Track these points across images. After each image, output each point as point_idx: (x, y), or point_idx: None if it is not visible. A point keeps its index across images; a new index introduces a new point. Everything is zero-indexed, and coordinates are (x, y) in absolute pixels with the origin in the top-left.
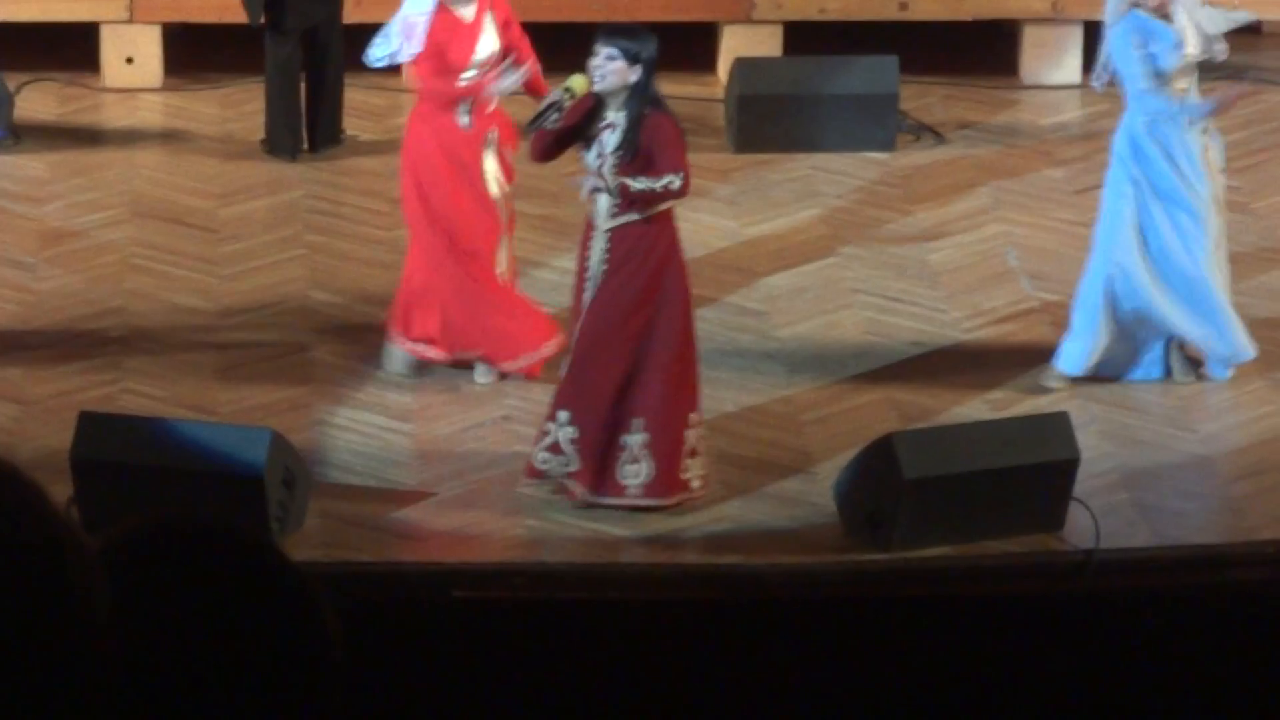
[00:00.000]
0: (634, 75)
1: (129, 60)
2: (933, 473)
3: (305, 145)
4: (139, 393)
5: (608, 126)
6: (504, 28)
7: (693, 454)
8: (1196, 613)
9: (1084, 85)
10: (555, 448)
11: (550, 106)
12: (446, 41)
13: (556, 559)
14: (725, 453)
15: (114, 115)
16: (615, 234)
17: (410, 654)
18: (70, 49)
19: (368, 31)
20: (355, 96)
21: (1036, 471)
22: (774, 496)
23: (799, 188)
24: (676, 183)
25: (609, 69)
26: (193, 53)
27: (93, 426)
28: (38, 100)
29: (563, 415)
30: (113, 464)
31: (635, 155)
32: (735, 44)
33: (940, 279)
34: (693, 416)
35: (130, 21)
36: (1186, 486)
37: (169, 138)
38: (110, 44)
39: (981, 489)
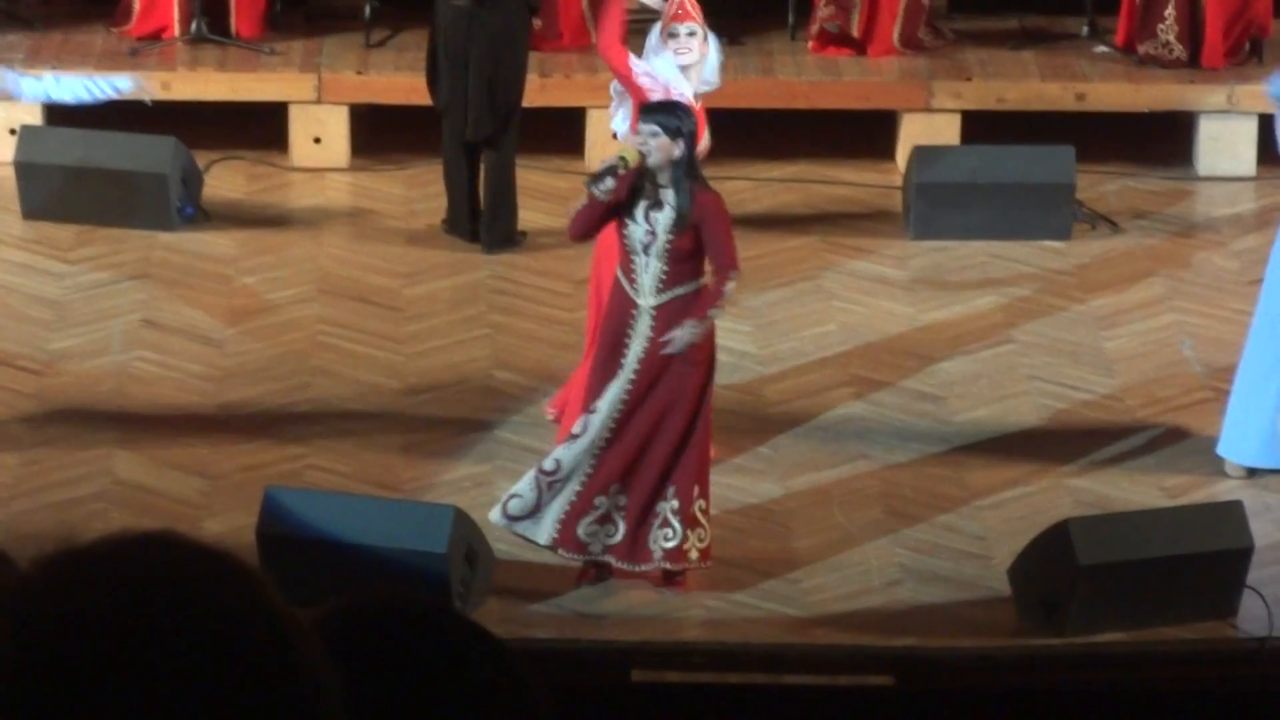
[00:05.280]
0: (677, 150)
1: (317, 140)
2: (1108, 559)
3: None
4: (324, 469)
5: (655, 204)
6: None
7: (664, 524)
8: None
9: (1258, 177)
10: (606, 519)
11: (608, 170)
12: None
13: (733, 639)
14: (902, 536)
15: (301, 194)
16: (661, 310)
17: None
18: (259, 128)
19: (551, 116)
20: (537, 180)
21: (1210, 559)
22: (949, 580)
23: (975, 274)
24: (735, 279)
25: (653, 145)
26: (379, 133)
27: (278, 502)
28: (227, 178)
29: (614, 486)
30: (298, 539)
31: (686, 231)
32: (914, 132)
33: (1115, 367)
34: (672, 489)
35: (318, 102)
36: None
37: (355, 217)
38: (298, 124)
39: (1156, 576)
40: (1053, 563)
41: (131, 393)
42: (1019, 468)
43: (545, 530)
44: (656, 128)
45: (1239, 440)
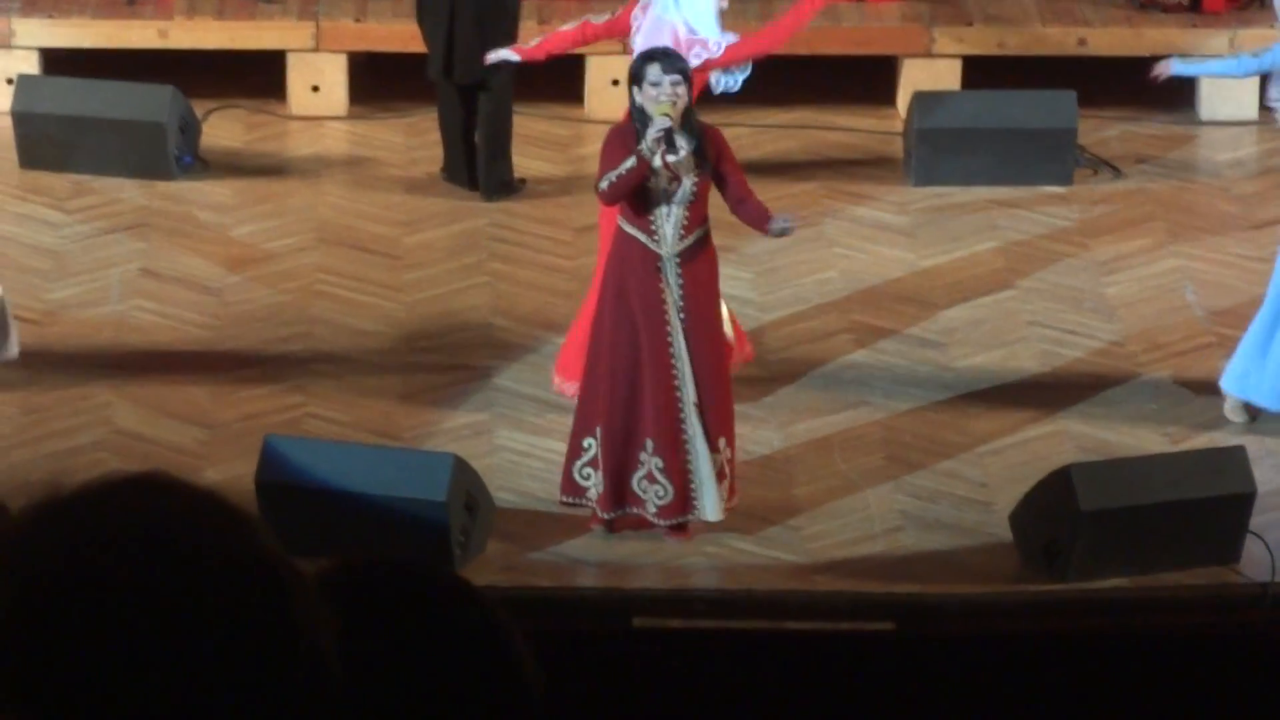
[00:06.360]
0: (687, 95)
1: (315, 88)
2: (1110, 505)
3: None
4: (323, 417)
5: (671, 150)
6: None
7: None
8: None
9: (1261, 121)
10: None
11: (668, 134)
12: None
13: (735, 585)
14: (904, 482)
15: (299, 142)
16: (684, 255)
17: (591, 683)
18: (257, 77)
19: (550, 63)
20: (537, 127)
21: (1213, 505)
22: (951, 526)
23: (977, 221)
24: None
25: (679, 93)
26: (377, 81)
27: (277, 450)
28: (225, 127)
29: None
30: (297, 487)
31: (707, 169)
32: (915, 78)
33: (1117, 312)
34: (723, 440)
35: (316, 50)
36: None
37: (353, 165)
38: (296, 72)
39: (1158, 521)
40: (1054, 508)
41: (130, 342)
42: (1020, 414)
43: (713, 506)
44: (679, 76)
45: (1244, 376)
